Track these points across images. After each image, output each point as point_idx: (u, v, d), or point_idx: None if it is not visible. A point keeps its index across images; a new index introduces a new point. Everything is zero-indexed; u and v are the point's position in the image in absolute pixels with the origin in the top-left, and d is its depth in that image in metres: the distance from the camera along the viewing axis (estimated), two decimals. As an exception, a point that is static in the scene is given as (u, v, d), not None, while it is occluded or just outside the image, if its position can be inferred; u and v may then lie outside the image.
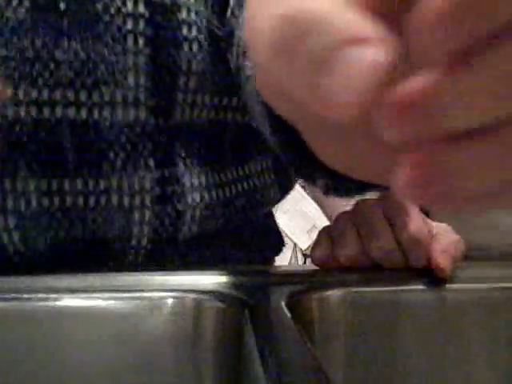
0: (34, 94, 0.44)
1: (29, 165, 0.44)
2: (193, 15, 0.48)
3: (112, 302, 0.42)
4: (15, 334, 0.41)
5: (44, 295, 0.42)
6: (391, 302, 0.44)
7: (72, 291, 0.43)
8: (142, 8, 0.46)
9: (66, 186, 0.45)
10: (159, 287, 0.43)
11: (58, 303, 0.42)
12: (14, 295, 0.42)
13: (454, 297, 0.44)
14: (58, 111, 0.45)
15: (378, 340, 0.43)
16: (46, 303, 0.42)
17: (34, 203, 0.45)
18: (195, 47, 0.48)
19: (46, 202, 0.45)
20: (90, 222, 0.47)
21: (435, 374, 0.44)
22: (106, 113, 0.46)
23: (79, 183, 0.46)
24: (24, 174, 0.44)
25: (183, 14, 0.47)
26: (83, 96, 0.45)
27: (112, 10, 0.45)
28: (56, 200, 0.45)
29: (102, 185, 0.46)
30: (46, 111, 0.44)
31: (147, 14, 0.46)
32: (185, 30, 0.47)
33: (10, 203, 0.44)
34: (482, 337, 0.44)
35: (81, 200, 0.46)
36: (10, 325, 0.41)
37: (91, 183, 0.46)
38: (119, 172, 0.46)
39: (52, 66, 0.44)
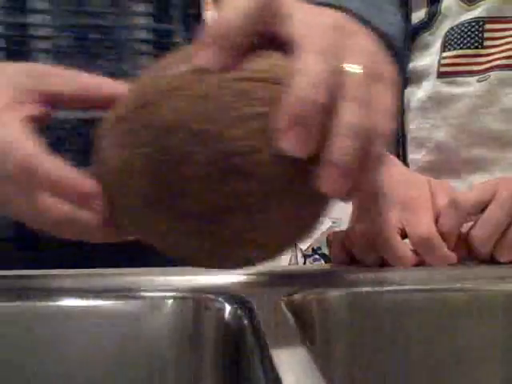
0: None
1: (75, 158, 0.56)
2: (182, 39, 0.63)
3: (112, 302, 0.42)
4: (16, 334, 0.41)
5: (45, 296, 0.42)
6: (391, 303, 0.44)
7: (73, 292, 0.43)
8: (148, 35, 0.59)
9: None
10: (159, 287, 0.43)
11: (59, 303, 0.42)
12: (14, 295, 0.42)
13: (454, 297, 0.44)
14: (92, 113, 0.55)
15: (378, 340, 0.43)
16: (47, 304, 0.42)
17: None
18: None
19: None
20: None
21: (436, 375, 0.44)
22: None
23: None
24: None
25: (176, 38, 0.62)
26: None
27: (129, 37, 0.58)
28: None
29: None
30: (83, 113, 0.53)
31: (153, 39, 0.60)
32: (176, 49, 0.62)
33: None
34: (482, 337, 0.44)
35: None
36: (11, 325, 0.41)
37: None
38: None
39: None
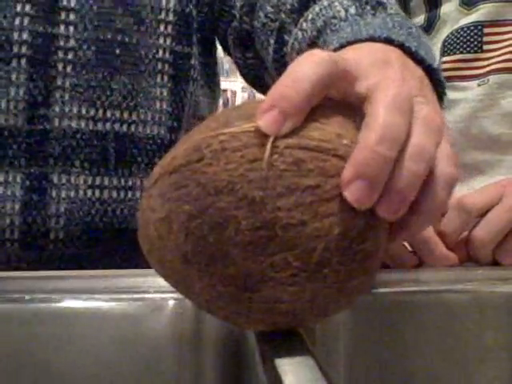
0: (93, 112, 0.61)
1: (82, 164, 0.60)
2: (197, 63, 0.68)
3: (113, 303, 0.42)
4: (17, 335, 0.41)
5: (46, 296, 0.42)
6: (392, 303, 0.44)
7: (74, 293, 0.43)
8: (167, 55, 0.65)
9: (106, 181, 0.61)
10: (160, 289, 0.43)
11: (60, 304, 0.42)
12: (16, 296, 0.42)
13: (455, 298, 0.44)
14: (108, 125, 0.61)
15: (378, 341, 0.43)
16: (48, 304, 0.42)
17: (81, 193, 0.60)
18: (197, 84, 0.68)
19: (89, 193, 0.60)
20: (118, 212, 0.62)
21: (436, 375, 0.44)
22: (140, 128, 0.63)
23: (115, 180, 0.61)
24: (77, 170, 0.60)
25: (192, 61, 0.67)
26: (126, 115, 0.62)
27: (150, 56, 0.63)
28: (97, 192, 0.61)
29: (130, 182, 0.62)
30: (100, 125, 0.61)
31: (171, 60, 0.65)
32: (192, 71, 0.67)
33: (63, 193, 0.59)
34: (483, 339, 0.44)
35: (114, 193, 0.62)
36: (12, 326, 0.41)
37: (123, 180, 0.62)
38: (142, 172, 0.63)
39: (108, 92, 0.61)
